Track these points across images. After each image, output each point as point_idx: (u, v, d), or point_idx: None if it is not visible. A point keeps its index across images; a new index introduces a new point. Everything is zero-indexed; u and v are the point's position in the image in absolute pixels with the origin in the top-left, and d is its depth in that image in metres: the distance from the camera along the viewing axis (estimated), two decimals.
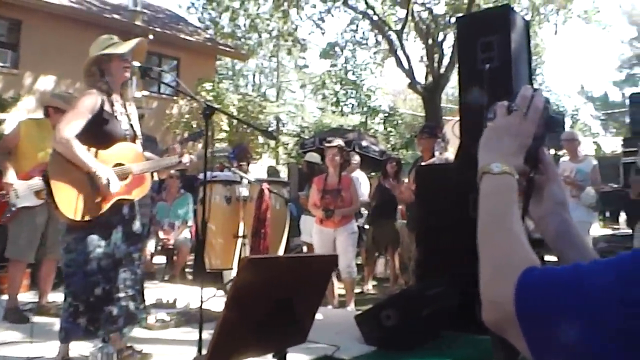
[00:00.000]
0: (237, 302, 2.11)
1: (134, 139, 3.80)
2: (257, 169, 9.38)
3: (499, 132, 1.11)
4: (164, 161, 4.03)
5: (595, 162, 7.47)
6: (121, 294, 3.62)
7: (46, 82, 15.37)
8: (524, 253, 0.93)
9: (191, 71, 17.62)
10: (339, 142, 6.60)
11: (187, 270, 8.58)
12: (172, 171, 7.08)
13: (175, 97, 16.86)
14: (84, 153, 3.45)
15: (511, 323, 0.85)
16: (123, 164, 3.67)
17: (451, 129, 5.08)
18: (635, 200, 6.06)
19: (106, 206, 3.54)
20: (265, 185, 5.44)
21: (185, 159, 4.06)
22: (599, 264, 0.84)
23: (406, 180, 7.44)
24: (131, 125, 3.80)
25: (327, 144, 6.63)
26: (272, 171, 11.50)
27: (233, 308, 2.10)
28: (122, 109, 3.75)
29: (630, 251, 0.84)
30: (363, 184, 8.15)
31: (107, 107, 3.63)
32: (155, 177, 6.41)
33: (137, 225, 3.81)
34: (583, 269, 0.84)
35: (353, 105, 24.35)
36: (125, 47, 3.71)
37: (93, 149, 3.55)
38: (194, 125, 15.81)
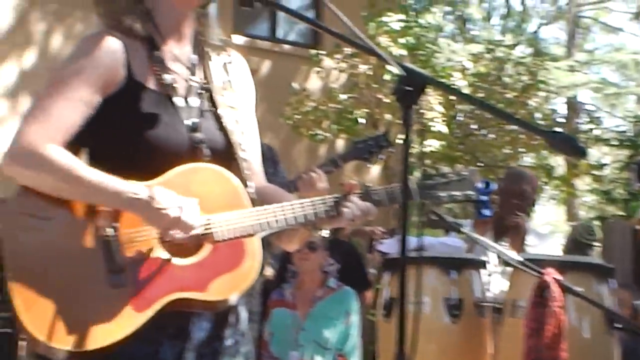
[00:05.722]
0: None
1: (225, 153, 1.58)
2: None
3: None
4: (295, 210, 1.53)
5: None
6: None
7: None
8: None
9: None
10: None
11: None
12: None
13: (313, 51, 8.24)
14: (94, 175, 1.42)
15: None
16: None
17: None
18: None
19: (142, 317, 1.41)
20: (550, 273, 2.50)
21: (356, 205, 1.56)
22: None
23: None
24: (215, 116, 1.61)
25: None
26: (581, 233, 5.24)
27: None
28: (185, 76, 1.60)
29: None
30: None
31: (140, 72, 1.53)
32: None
33: None
34: None
35: None
36: None
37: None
38: (363, 120, 7.71)
